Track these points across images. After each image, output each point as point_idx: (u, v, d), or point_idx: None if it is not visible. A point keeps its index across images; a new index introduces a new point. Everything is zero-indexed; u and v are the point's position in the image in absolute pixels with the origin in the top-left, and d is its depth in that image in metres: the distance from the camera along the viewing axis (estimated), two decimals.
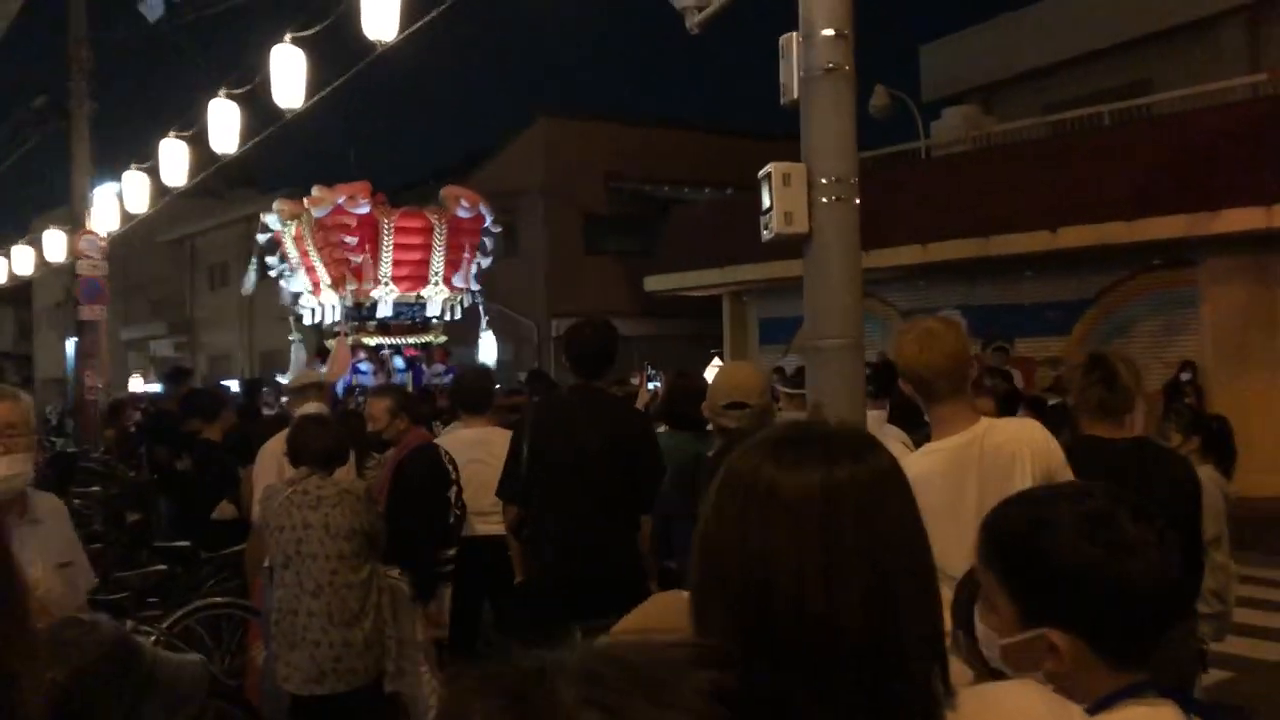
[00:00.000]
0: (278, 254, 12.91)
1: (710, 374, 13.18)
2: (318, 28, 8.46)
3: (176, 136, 11.41)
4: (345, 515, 4.20)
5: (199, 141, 11.04)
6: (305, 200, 12.36)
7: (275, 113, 9.23)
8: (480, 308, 13.53)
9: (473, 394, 5.35)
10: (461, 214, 12.73)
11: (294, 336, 13.50)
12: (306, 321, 13.19)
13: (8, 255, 19.35)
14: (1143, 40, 15.77)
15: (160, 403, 11.38)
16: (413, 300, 12.64)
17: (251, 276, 13.50)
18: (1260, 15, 14.76)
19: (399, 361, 12.44)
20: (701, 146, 22.42)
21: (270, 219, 12.84)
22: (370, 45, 7.92)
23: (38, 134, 17.38)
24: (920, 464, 2.79)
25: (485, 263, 13.32)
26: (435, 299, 12.80)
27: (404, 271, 12.39)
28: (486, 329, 13.77)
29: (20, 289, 29.20)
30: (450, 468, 5.11)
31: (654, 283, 19.10)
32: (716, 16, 5.29)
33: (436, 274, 12.55)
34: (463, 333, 14.38)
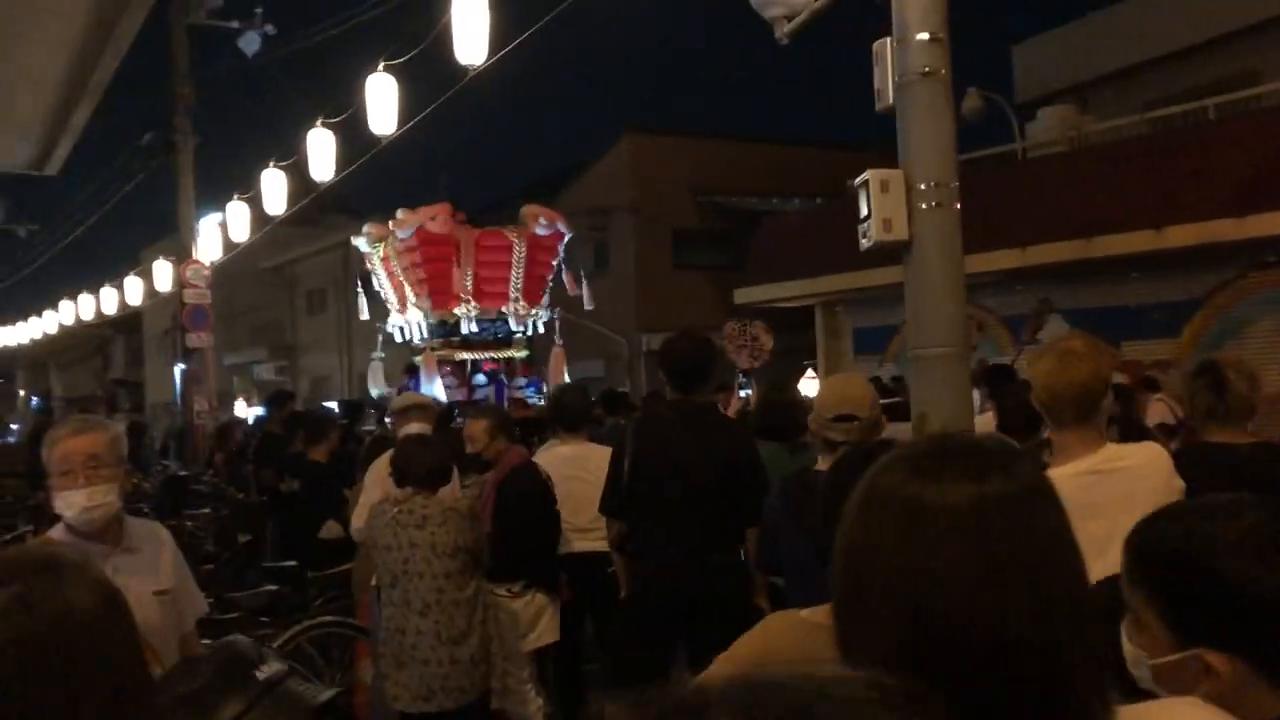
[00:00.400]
0: (371, 274, 13.32)
1: (806, 386, 13.10)
2: (409, 55, 8.63)
3: (276, 166, 11.75)
4: (450, 533, 4.24)
5: (297, 170, 11.36)
6: (390, 223, 12.72)
7: (369, 139, 9.44)
8: (556, 323, 13.61)
9: (571, 411, 5.36)
10: (540, 231, 12.89)
11: (376, 355, 13.81)
12: (397, 340, 13.44)
13: (119, 286, 20.15)
14: (1245, 31, 15.21)
15: (265, 425, 11.67)
16: (494, 316, 12.85)
17: (363, 302, 13.80)
18: None
19: (480, 377, 12.73)
20: (788, 158, 22.30)
21: (359, 242, 13.25)
22: (461, 69, 8.07)
23: (145, 169, 18.08)
24: None
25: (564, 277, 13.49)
26: (516, 315, 12.96)
27: (486, 288, 12.60)
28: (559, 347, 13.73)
29: (131, 318, 30.37)
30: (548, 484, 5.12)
31: (744, 295, 18.99)
32: (806, 26, 5.26)
33: (517, 290, 12.77)
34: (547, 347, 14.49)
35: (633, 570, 3.97)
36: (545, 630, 5.07)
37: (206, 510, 9.66)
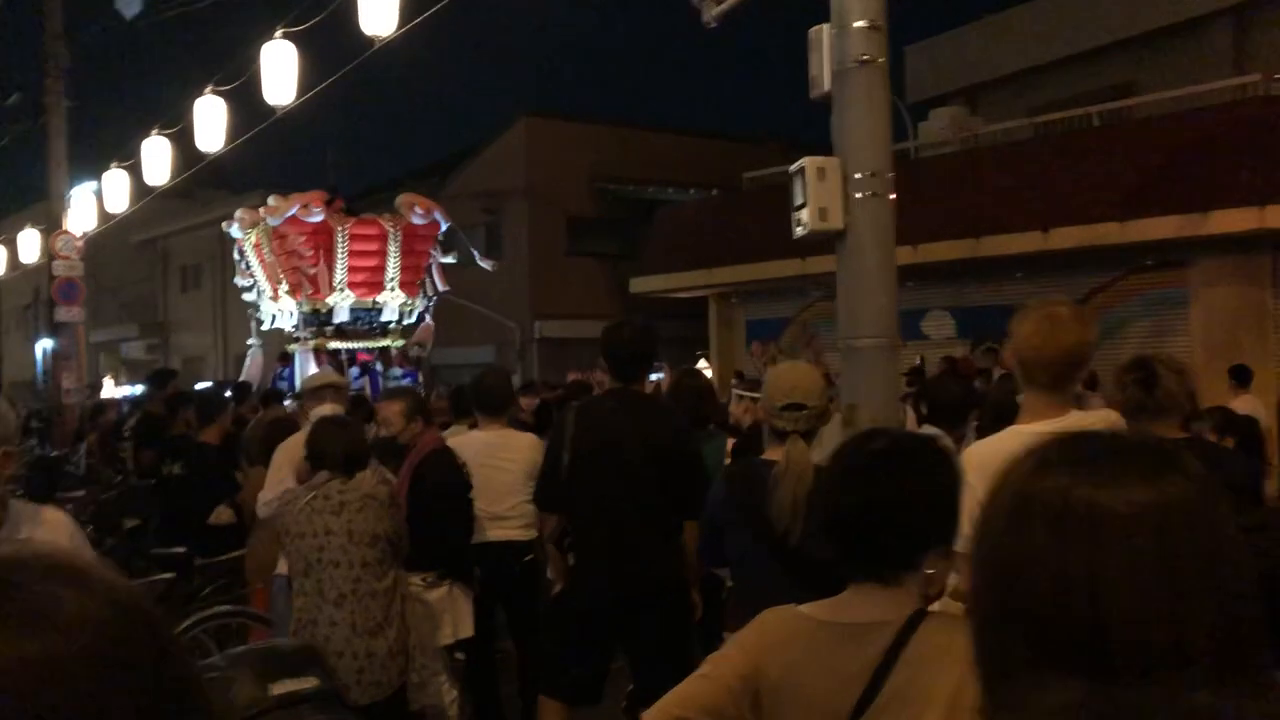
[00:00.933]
0: (241, 262, 13.23)
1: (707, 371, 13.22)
2: (313, 21, 8.30)
3: (160, 134, 11.19)
4: (368, 520, 4.06)
5: (181, 139, 10.83)
6: (261, 209, 12.62)
7: (261, 109, 9.05)
8: (429, 309, 13.70)
9: (493, 395, 5.20)
10: (416, 220, 12.94)
11: (252, 341, 13.81)
12: (266, 327, 13.38)
13: None
14: (1128, 42, 15.82)
15: (145, 405, 11.14)
16: (369, 306, 12.87)
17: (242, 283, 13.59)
18: (1246, 17, 14.84)
19: (354, 369, 12.62)
20: (685, 148, 22.34)
21: (232, 228, 13.15)
22: (363, 41, 7.78)
23: (11, 133, 17.08)
24: (1008, 444, 2.70)
25: (447, 261, 13.73)
26: (392, 304, 13.02)
27: (360, 278, 12.65)
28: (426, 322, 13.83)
29: None
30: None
31: (639, 284, 18.98)
32: (735, 9, 5.20)
33: (392, 279, 12.83)
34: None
35: (572, 564, 3.85)
36: (462, 623, 4.91)
37: (81, 493, 9.17)
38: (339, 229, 12.36)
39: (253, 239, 12.83)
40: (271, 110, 8.89)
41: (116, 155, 12.61)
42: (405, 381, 12.01)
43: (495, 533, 5.16)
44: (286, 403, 9.47)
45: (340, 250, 12.38)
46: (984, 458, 2.38)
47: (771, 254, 14.85)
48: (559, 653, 3.99)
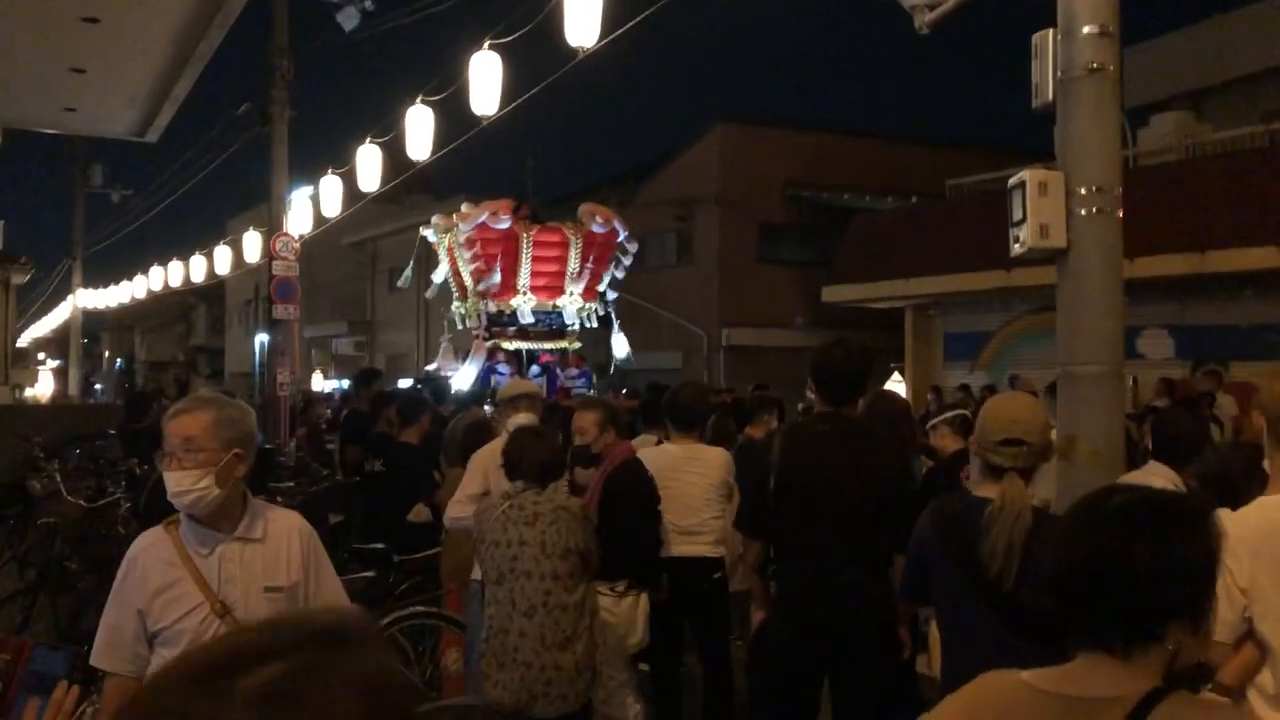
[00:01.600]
0: (436, 264, 14.08)
1: (893, 389, 12.84)
2: (519, 33, 8.47)
3: (372, 142, 11.69)
4: (561, 533, 4.05)
5: (392, 147, 11.28)
6: (455, 215, 13.41)
7: (467, 118, 9.30)
8: (612, 313, 14.24)
9: (688, 410, 5.14)
10: (596, 229, 13.41)
11: (445, 337, 14.62)
12: (458, 326, 14.15)
13: (209, 255, 20.44)
14: None
15: (351, 403, 11.65)
16: (549, 309, 13.44)
17: (407, 275, 15.09)
18: None
19: (534, 368, 13.15)
20: (883, 154, 21.81)
21: (427, 232, 13.99)
22: (566, 51, 7.88)
23: (240, 140, 18.23)
24: (1267, 518, 2.43)
25: (620, 274, 14.13)
26: (570, 308, 13.50)
27: (541, 282, 13.25)
28: (618, 331, 14.49)
29: (215, 286, 30.86)
30: None
31: (833, 294, 18.63)
32: (949, 15, 4.96)
33: (572, 284, 13.38)
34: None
35: (776, 593, 3.71)
36: (643, 632, 4.88)
37: (291, 484, 9.63)
38: (524, 235, 12.94)
39: (446, 243, 13.54)
40: (477, 119, 9.10)
41: (332, 162, 13.30)
42: (580, 381, 12.57)
43: (684, 548, 5.10)
44: (486, 407, 9.70)
45: (525, 255, 12.99)
46: (1238, 534, 2.12)
47: (974, 265, 14.32)
48: (764, 694, 3.85)
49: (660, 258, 23.90)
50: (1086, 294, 3.98)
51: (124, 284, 29.78)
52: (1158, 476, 3.68)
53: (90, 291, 31.45)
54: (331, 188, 13.46)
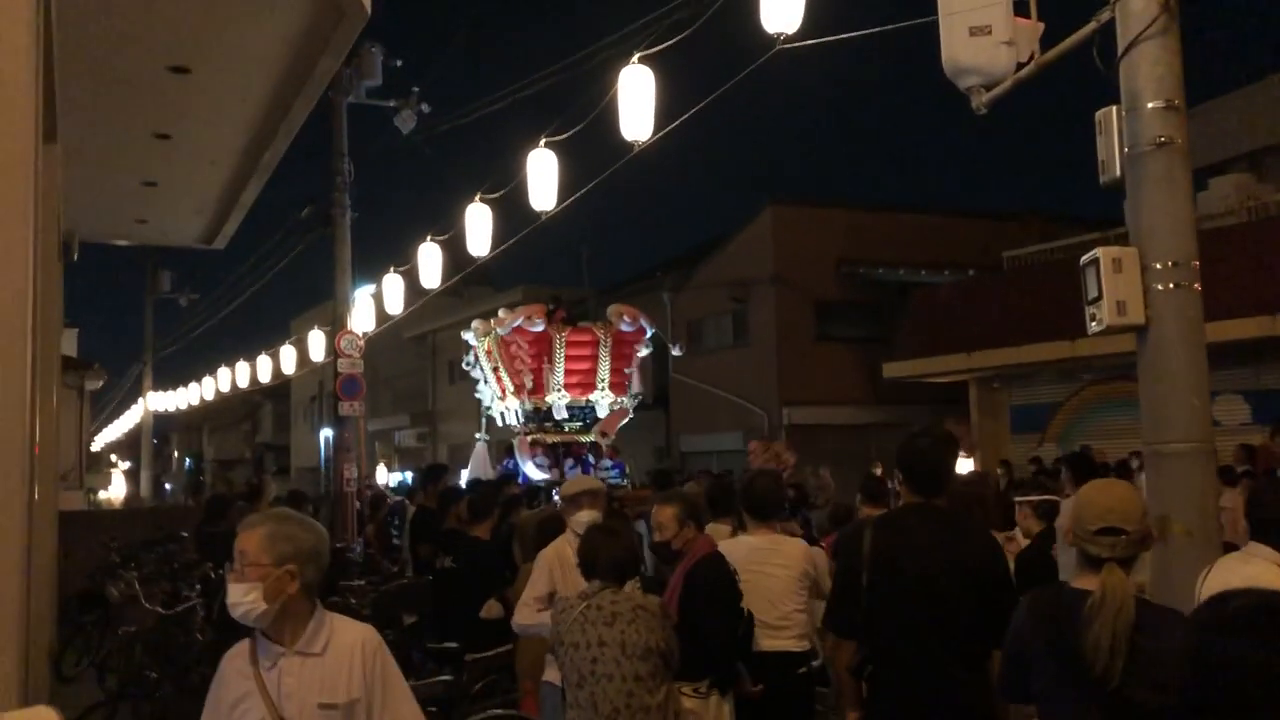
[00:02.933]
0: (475, 365, 15.05)
1: (964, 464, 12.62)
2: (573, 131, 8.63)
3: (433, 240, 11.93)
4: (641, 632, 3.98)
5: (453, 244, 11.49)
6: (492, 320, 14.40)
7: (523, 214, 9.45)
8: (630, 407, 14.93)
9: (764, 500, 5.07)
10: (624, 328, 14.26)
11: (480, 436, 15.51)
12: (498, 424, 15.08)
13: (274, 355, 20.85)
14: None
15: (418, 499, 11.70)
16: (583, 404, 14.17)
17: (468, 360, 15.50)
18: None
19: (569, 460, 13.91)
20: (937, 228, 21.77)
21: (468, 336, 14.89)
22: (621, 144, 8.00)
23: (303, 242, 18.71)
24: None
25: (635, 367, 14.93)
26: (602, 402, 14.25)
27: (575, 379, 14.06)
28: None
29: (280, 384, 31.42)
30: None
31: (893, 369, 18.47)
32: (1006, 94, 4.97)
33: (603, 380, 14.15)
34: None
35: (871, 694, 3.59)
36: None
37: (361, 582, 9.64)
38: (557, 337, 13.81)
39: (485, 345, 14.44)
40: (533, 213, 9.25)
41: (393, 260, 13.58)
42: (613, 472, 13.24)
43: (767, 643, 4.99)
44: (555, 498, 9.71)
45: (558, 355, 13.85)
46: None
47: (1037, 336, 14.13)
48: None
49: (717, 339, 23.92)
50: (1170, 371, 3.90)
51: (193, 385, 30.46)
52: (1261, 560, 3.54)
53: (160, 394, 32.19)
54: (394, 285, 13.72)
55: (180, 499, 32.70)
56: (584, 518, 5.21)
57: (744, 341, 22.89)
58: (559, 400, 13.90)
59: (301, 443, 42.78)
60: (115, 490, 31.70)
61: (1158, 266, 3.93)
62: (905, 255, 21.01)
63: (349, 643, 2.79)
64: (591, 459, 14.04)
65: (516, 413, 14.27)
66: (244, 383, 23.79)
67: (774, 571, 4.98)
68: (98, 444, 33.93)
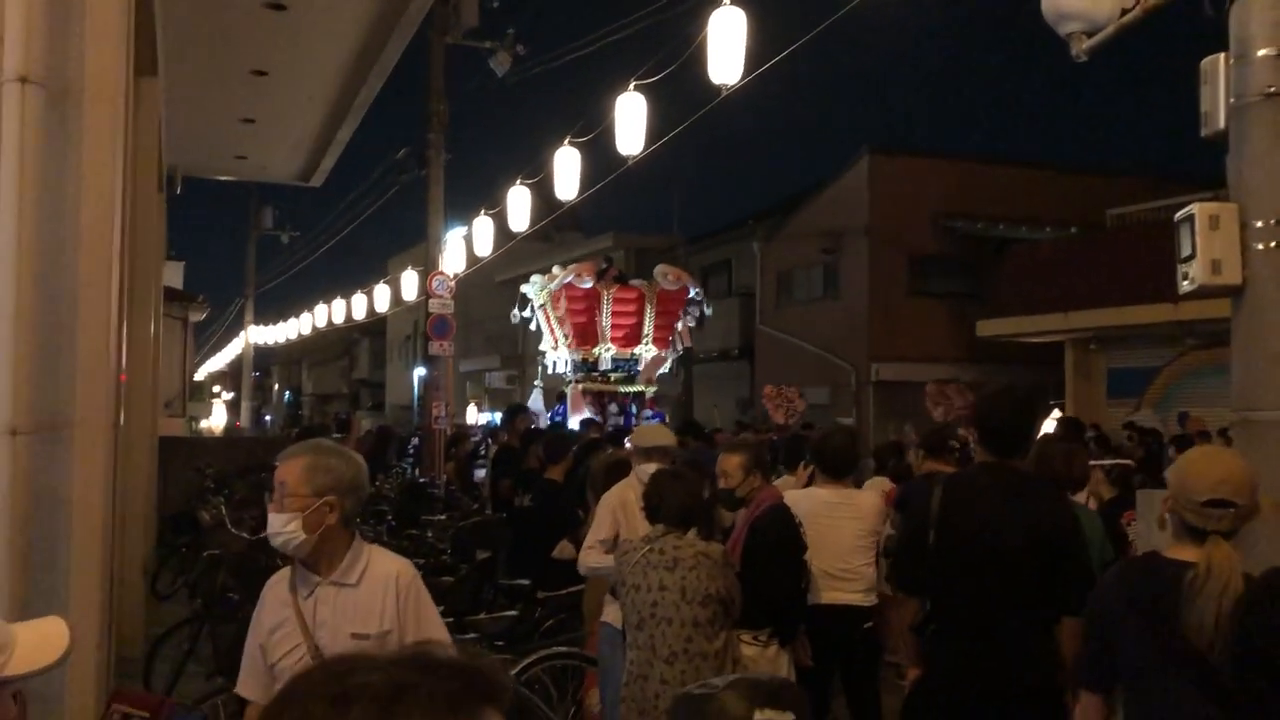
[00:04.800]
0: (533, 317, 16.19)
1: (1050, 427, 12.35)
2: (661, 74, 8.54)
3: (522, 184, 11.98)
4: (701, 579, 3.98)
5: (541, 188, 11.52)
6: (547, 276, 15.58)
7: (613, 157, 9.41)
8: (678, 361, 16.44)
9: (839, 457, 5.01)
10: (669, 287, 15.37)
11: (537, 383, 17.36)
12: (550, 372, 16.36)
13: (369, 293, 21.27)
14: None
15: (501, 438, 11.87)
16: (628, 357, 15.34)
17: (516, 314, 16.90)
18: None
19: (614, 407, 15.12)
20: (1040, 183, 21.06)
21: (528, 289, 15.99)
22: (711, 89, 7.89)
23: (398, 183, 18.97)
24: None
25: (691, 324, 16.14)
26: (646, 356, 15.43)
27: (620, 334, 15.21)
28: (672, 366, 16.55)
29: (376, 322, 32.06)
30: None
31: (987, 327, 18.04)
32: (1108, 41, 4.74)
33: (647, 335, 15.33)
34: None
35: (930, 653, 3.53)
36: None
37: (442, 518, 9.85)
38: (605, 293, 15.02)
39: (541, 299, 15.57)
40: (623, 159, 9.20)
41: (484, 202, 13.69)
42: (654, 421, 13.85)
43: (834, 595, 4.96)
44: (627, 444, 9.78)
45: (606, 311, 15.09)
46: None
47: (1139, 297, 13.66)
48: None
49: (807, 291, 23.63)
50: (1265, 334, 3.71)
51: (292, 320, 31.28)
52: None
53: (261, 328, 33.14)
54: (484, 228, 13.85)
55: (278, 430, 33.73)
56: (651, 469, 5.22)
57: (834, 294, 22.58)
58: (605, 352, 15.05)
59: (396, 380, 43.70)
60: (216, 420, 32.84)
61: (1258, 224, 3.72)
62: (1006, 210, 20.40)
63: (383, 575, 2.81)
64: (634, 409, 15.23)
65: (567, 362, 15.43)
66: (340, 319, 24.33)
67: (843, 525, 4.94)
68: (200, 374, 35.11)
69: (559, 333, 15.47)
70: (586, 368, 15.24)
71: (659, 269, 15.82)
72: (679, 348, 15.98)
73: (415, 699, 0.78)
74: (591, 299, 15.02)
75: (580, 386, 15.15)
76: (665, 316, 15.44)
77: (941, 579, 3.44)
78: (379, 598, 2.77)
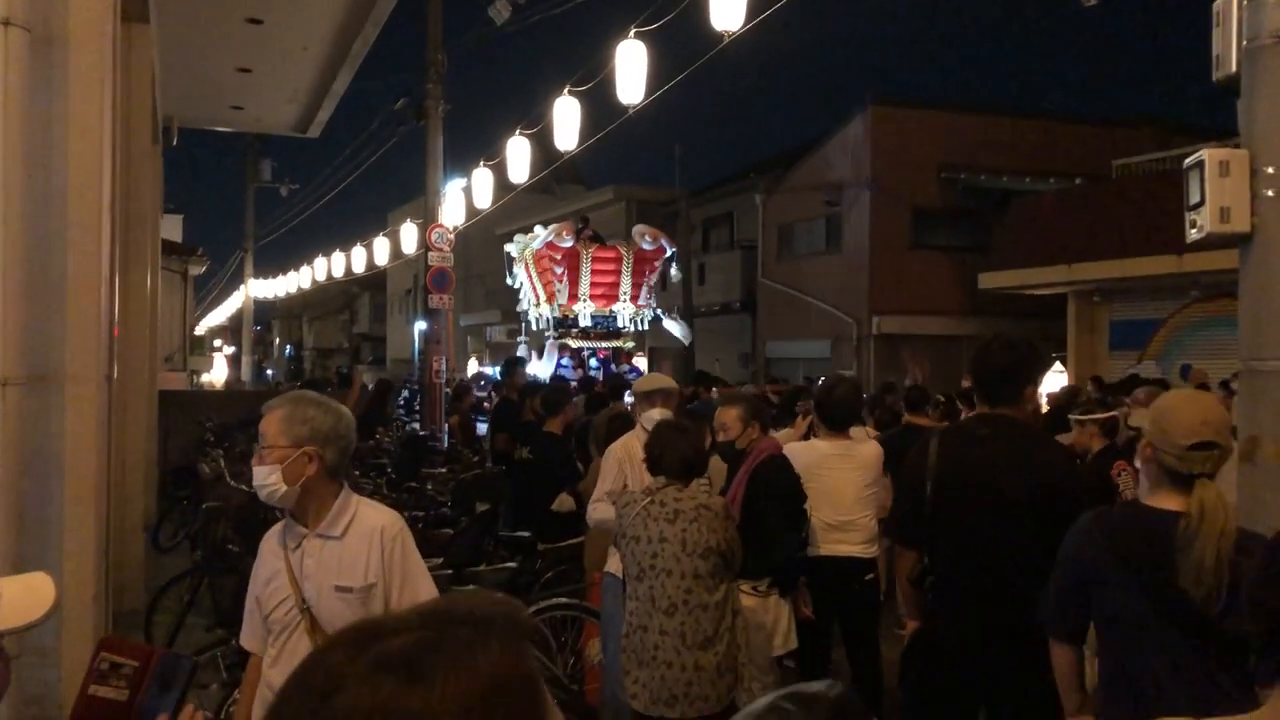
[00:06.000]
0: (515, 276, 16.97)
1: (1053, 380, 12.30)
2: (662, 21, 8.40)
3: (521, 134, 11.83)
4: (702, 531, 3.96)
5: (541, 139, 11.38)
6: (528, 235, 16.44)
7: (613, 107, 9.29)
8: (658, 313, 17.00)
9: (842, 408, 4.97)
10: (645, 246, 16.01)
11: (521, 339, 18.66)
12: (533, 328, 17.14)
13: (368, 246, 21.15)
14: None
15: (500, 391, 11.85)
16: (606, 313, 16.04)
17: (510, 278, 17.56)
18: None
19: (594, 361, 15.72)
20: (1044, 134, 20.86)
21: (510, 248, 16.76)
22: (712, 36, 7.76)
23: (397, 134, 18.77)
24: None
25: (669, 281, 17.43)
26: (623, 313, 16.19)
27: (599, 291, 15.91)
28: (670, 319, 17.54)
29: (376, 276, 31.96)
30: None
31: (990, 280, 17.96)
32: None
33: (624, 293, 16.07)
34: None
35: (932, 605, 3.50)
36: (788, 634, 4.75)
37: (443, 470, 9.84)
38: (584, 253, 15.72)
39: (522, 257, 16.31)
40: (624, 109, 9.08)
41: (483, 154, 13.54)
42: (633, 375, 14.26)
43: (835, 546, 4.95)
44: (627, 399, 9.78)
45: (585, 269, 15.77)
46: None
47: (1143, 249, 13.58)
48: (915, 707, 3.64)
49: (809, 244, 23.51)
50: (1273, 282, 3.65)
51: (292, 274, 31.17)
52: None
53: (261, 281, 33.05)
54: (483, 180, 13.71)
55: (279, 384, 33.76)
56: (655, 414, 5.17)
57: (836, 247, 22.47)
58: (584, 309, 15.86)
59: (396, 334, 43.67)
60: (217, 373, 32.84)
61: (1269, 171, 3.65)
62: (1010, 162, 20.23)
63: (369, 528, 2.77)
64: (613, 363, 15.86)
65: (548, 319, 16.18)
66: (340, 273, 24.23)
67: (845, 476, 4.92)
68: (201, 328, 35.08)
69: (540, 290, 16.20)
70: (566, 324, 15.93)
71: (637, 229, 16.57)
72: (653, 305, 16.73)
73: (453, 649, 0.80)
74: (572, 258, 15.71)
75: (559, 342, 15.83)
76: (640, 275, 16.21)
77: (940, 530, 3.41)
78: (364, 550, 2.74)
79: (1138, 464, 2.83)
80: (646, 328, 17.31)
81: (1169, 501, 2.58)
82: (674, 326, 17.66)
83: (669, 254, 16.45)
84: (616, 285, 15.98)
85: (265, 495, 2.71)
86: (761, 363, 24.54)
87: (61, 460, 3.54)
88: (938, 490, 3.38)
